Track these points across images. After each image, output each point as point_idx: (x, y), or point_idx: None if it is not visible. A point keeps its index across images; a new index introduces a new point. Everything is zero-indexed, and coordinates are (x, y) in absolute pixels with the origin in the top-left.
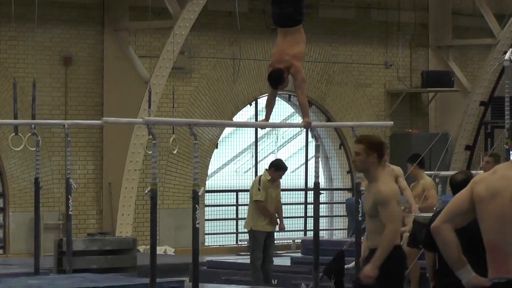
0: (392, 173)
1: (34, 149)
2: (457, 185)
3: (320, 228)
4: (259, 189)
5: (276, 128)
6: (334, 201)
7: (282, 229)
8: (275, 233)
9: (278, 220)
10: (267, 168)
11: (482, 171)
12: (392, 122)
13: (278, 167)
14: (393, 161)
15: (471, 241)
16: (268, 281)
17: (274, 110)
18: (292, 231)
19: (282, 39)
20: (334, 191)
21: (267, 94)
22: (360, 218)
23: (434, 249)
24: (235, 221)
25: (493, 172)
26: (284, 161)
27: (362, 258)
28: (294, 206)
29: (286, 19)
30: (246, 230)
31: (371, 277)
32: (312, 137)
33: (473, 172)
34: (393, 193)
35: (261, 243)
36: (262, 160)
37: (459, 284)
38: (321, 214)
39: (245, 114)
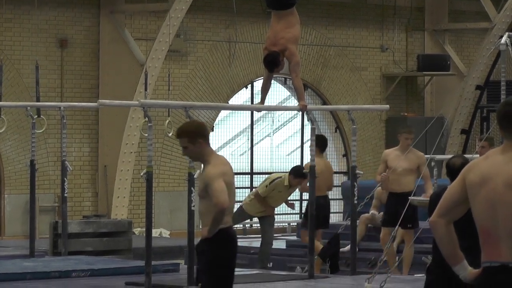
0: (416, 160)
1: (30, 131)
2: (456, 170)
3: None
4: (266, 186)
5: (272, 111)
6: None
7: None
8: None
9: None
10: (289, 172)
11: (478, 155)
12: (388, 106)
13: (298, 174)
14: (389, 145)
15: (470, 227)
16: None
17: (269, 93)
18: (287, 214)
19: (276, 22)
20: None
21: (263, 77)
22: (355, 201)
23: None
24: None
25: (485, 157)
26: (304, 169)
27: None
28: None
29: (279, 2)
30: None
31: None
32: (307, 120)
33: (469, 156)
34: (220, 172)
35: (238, 220)
36: (257, 143)
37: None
38: None
39: (241, 97)
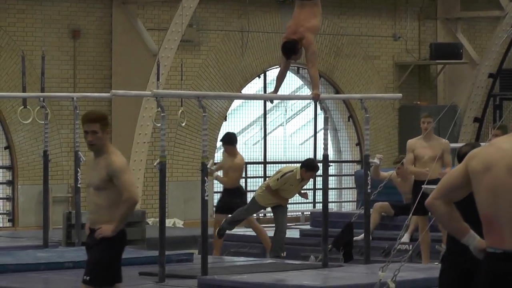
0: (440, 146)
1: (43, 122)
2: (462, 157)
3: (329, 200)
4: (277, 180)
5: (285, 101)
6: (343, 173)
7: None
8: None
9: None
10: (300, 166)
11: None
12: (401, 95)
13: (309, 167)
14: (402, 134)
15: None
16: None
17: (282, 82)
18: (301, 203)
19: (299, 11)
20: (343, 163)
21: (275, 67)
22: (369, 190)
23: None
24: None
25: (489, 145)
26: (316, 162)
27: (86, 228)
28: None
29: None
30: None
31: (106, 235)
32: (320, 109)
33: (484, 143)
34: (127, 163)
35: (252, 211)
36: (270, 132)
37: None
38: (330, 186)
39: (254, 86)
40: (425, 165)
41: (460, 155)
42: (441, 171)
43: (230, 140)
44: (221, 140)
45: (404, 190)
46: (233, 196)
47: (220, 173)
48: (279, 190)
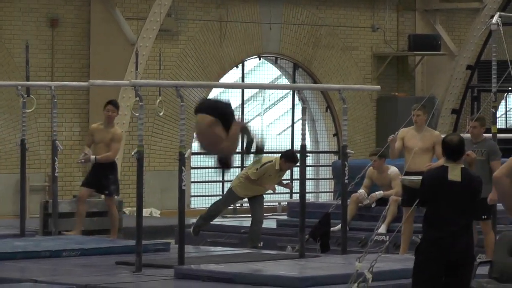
0: (431, 138)
1: (24, 110)
2: (454, 146)
3: (306, 190)
4: (256, 170)
5: (263, 91)
6: (320, 164)
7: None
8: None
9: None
10: (280, 156)
11: (469, 135)
12: (379, 87)
13: (289, 158)
14: (379, 124)
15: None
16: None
17: (260, 72)
18: (278, 193)
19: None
20: (320, 154)
21: (253, 57)
22: (346, 181)
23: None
24: (221, 183)
25: None
26: (295, 153)
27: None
28: None
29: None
30: None
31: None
32: (298, 100)
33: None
34: None
35: (229, 202)
36: (248, 122)
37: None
38: (307, 176)
39: (232, 76)
40: (415, 156)
41: (447, 144)
42: (430, 163)
43: (116, 104)
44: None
45: (382, 183)
46: (107, 170)
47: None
48: (258, 180)
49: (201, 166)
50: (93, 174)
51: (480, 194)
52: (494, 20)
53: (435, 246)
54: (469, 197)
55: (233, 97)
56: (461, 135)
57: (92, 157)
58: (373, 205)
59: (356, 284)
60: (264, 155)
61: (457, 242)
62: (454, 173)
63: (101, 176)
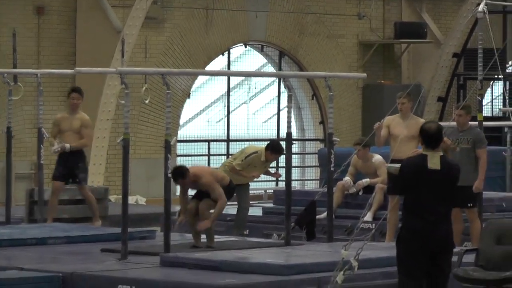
0: (417, 126)
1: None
2: (432, 133)
3: (292, 178)
4: (242, 160)
5: (249, 78)
6: (306, 152)
7: (277, 176)
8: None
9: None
10: (266, 147)
11: (455, 123)
12: (365, 74)
13: (274, 150)
14: (365, 112)
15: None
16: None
17: (246, 60)
18: (264, 181)
19: None
20: (306, 142)
21: (239, 44)
22: (332, 169)
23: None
24: None
25: None
26: (281, 144)
27: None
28: None
29: None
30: None
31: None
32: (284, 88)
33: (445, 124)
34: None
35: None
36: (234, 110)
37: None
38: (293, 164)
39: (218, 64)
40: (401, 144)
41: (425, 131)
42: (417, 150)
43: (80, 91)
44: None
45: (367, 171)
46: (77, 159)
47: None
48: (243, 170)
49: (187, 154)
50: (63, 165)
51: (458, 182)
52: (480, 8)
53: (415, 235)
54: (448, 185)
55: (218, 85)
56: (448, 123)
57: (67, 145)
58: (360, 193)
59: (342, 272)
60: (249, 144)
61: (437, 230)
62: (433, 161)
63: (72, 166)
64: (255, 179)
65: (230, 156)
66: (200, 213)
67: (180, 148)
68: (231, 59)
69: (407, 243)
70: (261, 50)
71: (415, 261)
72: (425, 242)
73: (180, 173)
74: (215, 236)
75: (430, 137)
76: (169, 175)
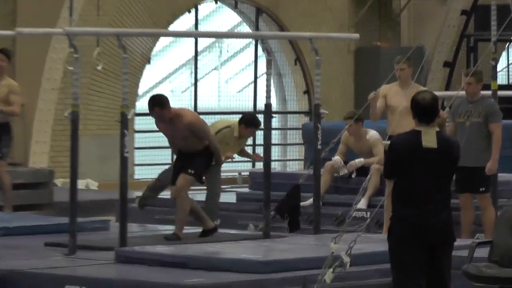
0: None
1: None
2: (427, 105)
3: (271, 158)
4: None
5: (220, 40)
6: (288, 127)
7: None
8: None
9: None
10: (239, 121)
11: (464, 93)
12: (358, 35)
13: (249, 123)
14: (358, 80)
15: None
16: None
17: (217, 19)
18: (238, 162)
19: None
20: (289, 115)
21: (209, 0)
22: (319, 147)
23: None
24: (169, 149)
25: None
26: (257, 116)
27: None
28: None
29: None
30: None
31: None
32: (263, 51)
33: (453, 93)
34: None
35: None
36: (202, 78)
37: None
38: (273, 141)
39: (184, 23)
40: (400, 117)
41: (419, 102)
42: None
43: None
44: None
45: (360, 150)
46: (2, 131)
47: None
48: None
49: (147, 129)
50: None
51: (458, 162)
52: None
53: (409, 227)
54: (447, 166)
55: (184, 48)
56: (455, 92)
57: None
58: (352, 175)
59: (331, 270)
60: (220, 118)
61: (435, 220)
62: (429, 139)
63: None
64: (228, 160)
65: None
66: (175, 190)
67: (139, 123)
68: (199, 18)
69: (401, 237)
70: (234, 7)
71: (411, 256)
72: (421, 234)
73: (159, 101)
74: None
75: (424, 110)
76: (126, 154)
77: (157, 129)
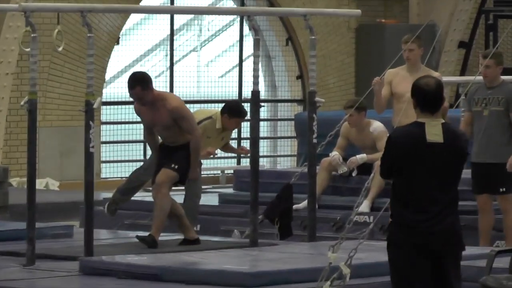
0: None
1: None
2: (433, 91)
3: (259, 153)
4: None
5: (200, 17)
6: (279, 117)
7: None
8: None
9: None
10: (221, 110)
11: (481, 77)
12: (359, 11)
13: (233, 112)
14: (359, 62)
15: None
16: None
17: None
18: (220, 158)
19: None
20: (279, 104)
21: None
22: (315, 140)
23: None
24: (141, 144)
25: None
26: (243, 105)
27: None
28: None
29: None
30: None
31: None
32: (249, 29)
33: (471, 78)
34: None
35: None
36: (179, 60)
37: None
38: (261, 134)
39: None
40: (408, 107)
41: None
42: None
43: None
44: None
45: (363, 144)
46: None
47: None
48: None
49: (116, 120)
50: None
51: (467, 157)
52: None
53: (410, 234)
54: (454, 163)
55: (159, 26)
56: (473, 77)
57: None
58: (353, 174)
59: (328, 282)
60: (200, 107)
61: (441, 225)
62: (434, 132)
63: None
64: (210, 157)
65: None
66: (155, 186)
67: (106, 113)
68: None
69: (400, 244)
70: None
71: (414, 268)
72: (425, 242)
73: (142, 79)
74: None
75: (428, 98)
76: (91, 149)
77: (127, 120)
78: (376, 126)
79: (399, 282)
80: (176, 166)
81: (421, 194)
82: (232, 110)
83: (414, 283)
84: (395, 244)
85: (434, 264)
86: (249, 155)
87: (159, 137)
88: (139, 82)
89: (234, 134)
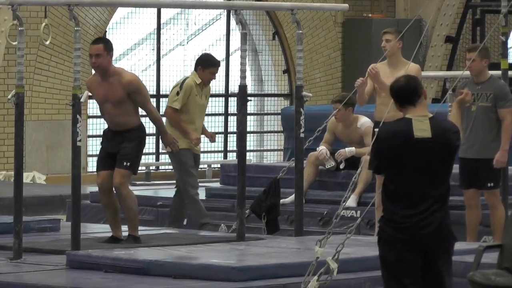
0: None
1: None
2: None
3: (246, 148)
4: (177, 93)
5: (187, 11)
6: (266, 112)
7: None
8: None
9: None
10: (195, 66)
11: (468, 72)
12: (347, 5)
13: (206, 63)
14: (346, 56)
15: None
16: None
17: None
18: (207, 152)
19: None
20: (266, 98)
21: None
22: (302, 135)
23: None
24: None
25: None
26: (213, 55)
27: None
28: (210, 118)
29: None
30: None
31: None
32: (236, 23)
33: (459, 73)
34: None
35: (192, 164)
36: (166, 54)
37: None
38: (248, 128)
39: None
40: (389, 101)
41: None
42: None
43: None
44: None
45: (350, 139)
46: None
47: None
48: (185, 113)
49: None
50: None
51: (457, 150)
52: None
53: (401, 230)
54: (445, 157)
55: (145, 20)
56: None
57: None
58: (341, 167)
59: (315, 277)
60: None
61: (430, 220)
62: (421, 127)
63: None
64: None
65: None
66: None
67: (93, 107)
68: None
69: (391, 240)
70: None
71: (405, 264)
72: (415, 237)
73: (107, 41)
74: (141, 228)
75: (399, 91)
76: (78, 142)
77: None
78: (364, 121)
79: (389, 278)
80: (128, 164)
81: (411, 190)
82: (204, 62)
83: (404, 279)
84: (385, 240)
85: (425, 260)
86: (232, 148)
87: (105, 121)
88: (104, 42)
89: (221, 127)
